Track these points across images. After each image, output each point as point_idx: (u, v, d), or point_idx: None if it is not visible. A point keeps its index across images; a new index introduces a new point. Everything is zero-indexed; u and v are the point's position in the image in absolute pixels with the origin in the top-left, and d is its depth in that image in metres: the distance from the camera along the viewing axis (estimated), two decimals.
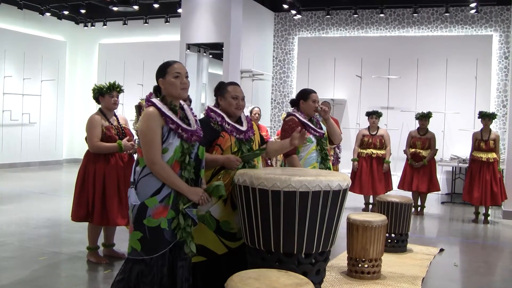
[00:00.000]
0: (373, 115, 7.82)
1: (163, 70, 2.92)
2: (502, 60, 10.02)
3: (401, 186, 8.00)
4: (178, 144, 2.82)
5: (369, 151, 7.75)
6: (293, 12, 10.95)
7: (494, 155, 7.25)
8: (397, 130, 10.10)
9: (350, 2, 10.79)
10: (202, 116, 3.91)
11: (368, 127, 7.93)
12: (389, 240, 5.37)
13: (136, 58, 12.66)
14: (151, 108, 2.81)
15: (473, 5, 9.67)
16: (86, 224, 4.70)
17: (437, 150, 7.99)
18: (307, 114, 4.29)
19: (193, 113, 3.04)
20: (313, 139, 4.20)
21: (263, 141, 3.73)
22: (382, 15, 10.70)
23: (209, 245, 3.24)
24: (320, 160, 4.21)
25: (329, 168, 4.26)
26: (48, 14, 11.89)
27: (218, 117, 3.36)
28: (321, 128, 4.34)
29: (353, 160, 7.85)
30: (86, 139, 4.63)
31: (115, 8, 10.48)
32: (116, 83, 4.69)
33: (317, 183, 3.00)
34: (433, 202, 8.94)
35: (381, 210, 5.44)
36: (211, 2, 9.15)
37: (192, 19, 9.29)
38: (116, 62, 13.10)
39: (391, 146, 7.97)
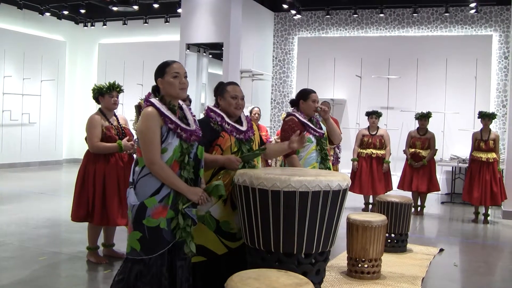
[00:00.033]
0: (373, 115, 7.82)
1: (162, 70, 2.91)
2: (502, 60, 10.02)
3: (400, 186, 8.00)
4: (177, 144, 2.82)
5: (369, 151, 7.75)
6: (293, 12, 10.95)
7: (494, 155, 7.25)
8: (397, 130, 10.10)
9: (350, 2, 10.79)
10: (202, 116, 3.91)
11: (368, 127, 7.93)
12: (389, 240, 5.37)
13: (136, 58, 12.66)
14: (150, 108, 2.81)
15: (473, 5, 9.67)
16: (86, 224, 4.70)
17: (436, 150, 7.99)
18: (307, 114, 4.29)
19: (191, 113, 3.03)
20: (313, 139, 4.20)
21: (262, 142, 3.73)
22: (382, 15, 10.70)
23: (209, 245, 3.24)
24: (320, 160, 4.21)
25: (329, 168, 4.26)
26: (47, 14, 11.89)
27: (218, 117, 3.36)
28: (321, 128, 4.34)
29: (353, 160, 7.85)
30: (86, 139, 4.63)
31: (115, 8, 10.48)
32: (116, 83, 4.69)
33: (316, 183, 3.00)
34: (433, 202, 8.94)
35: (381, 210, 5.44)
36: (211, 2, 9.15)
37: (192, 19, 9.29)
38: (116, 62, 13.10)
39: (391, 146, 7.97)
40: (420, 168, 7.82)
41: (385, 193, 7.37)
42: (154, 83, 2.97)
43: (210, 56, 10.19)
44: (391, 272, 4.62)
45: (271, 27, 11.77)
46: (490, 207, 7.54)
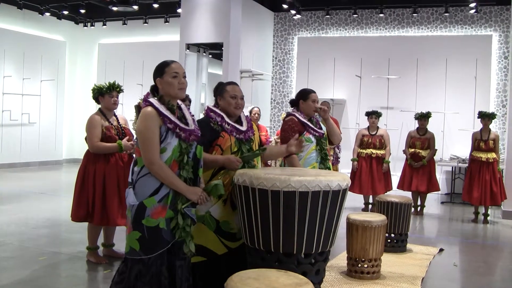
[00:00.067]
0: (373, 115, 7.82)
1: (161, 70, 2.91)
2: (502, 60, 10.02)
3: (400, 186, 8.00)
4: (176, 143, 2.82)
5: (368, 151, 7.75)
6: (293, 12, 10.95)
7: (493, 155, 7.25)
8: (397, 130, 10.10)
9: (349, 2, 10.79)
10: (201, 116, 3.91)
11: (368, 127, 7.93)
12: (389, 240, 5.37)
13: (135, 58, 12.66)
14: (149, 108, 2.81)
15: (472, 5, 9.67)
16: (86, 224, 4.70)
17: (436, 150, 7.99)
18: (307, 114, 4.29)
19: (190, 113, 3.03)
20: (313, 139, 4.20)
21: (260, 143, 3.74)
22: (381, 15, 10.70)
23: (209, 245, 3.25)
24: (319, 160, 4.21)
25: (329, 168, 4.26)
26: (47, 14, 11.89)
27: (218, 117, 3.36)
28: (321, 128, 4.35)
29: (352, 160, 7.85)
30: (86, 139, 4.63)
31: (114, 8, 10.48)
32: (116, 83, 4.69)
33: (316, 183, 3.00)
34: (432, 202, 8.94)
35: (380, 210, 5.44)
36: (211, 2, 9.15)
37: (192, 19, 9.29)
38: (115, 62, 13.10)
39: (391, 146, 7.97)
40: (420, 168, 7.82)
41: (385, 193, 7.37)
42: (153, 83, 2.98)
43: (210, 56, 10.19)
44: (391, 272, 4.62)
45: (271, 27, 11.77)
46: (490, 207, 7.54)
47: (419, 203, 7.91)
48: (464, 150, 9.07)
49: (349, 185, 3.23)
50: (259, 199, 3.05)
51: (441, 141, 9.84)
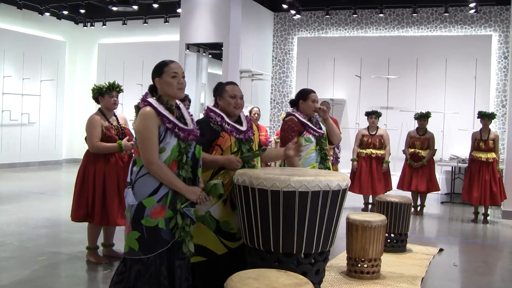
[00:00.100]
0: (373, 115, 7.82)
1: (160, 70, 2.91)
2: (502, 60, 10.02)
3: (400, 186, 8.00)
4: (175, 143, 2.82)
5: (368, 151, 7.75)
6: (293, 12, 10.95)
7: (493, 155, 7.25)
8: (397, 130, 10.10)
9: (349, 2, 10.79)
10: (201, 116, 3.91)
11: (368, 127, 7.93)
12: (389, 240, 5.37)
13: (135, 58, 12.66)
14: (148, 108, 2.81)
15: (472, 5, 9.67)
16: (85, 224, 4.70)
17: (436, 150, 7.99)
18: (307, 114, 4.29)
19: (189, 112, 3.03)
20: (313, 139, 4.20)
21: (260, 145, 3.74)
22: (381, 15, 10.70)
23: (209, 245, 3.25)
24: (319, 160, 4.21)
25: (329, 168, 4.26)
26: (47, 14, 11.88)
27: (218, 117, 3.35)
28: (321, 128, 4.35)
29: (352, 160, 7.85)
30: (86, 139, 4.63)
31: (114, 8, 10.48)
32: (116, 83, 4.69)
33: (316, 183, 3.00)
34: (432, 202, 8.94)
35: (380, 210, 5.44)
36: (211, 2, 9.15)
37: (192, 19, 9.29)
38: (115, 62, 13.10)
39: (391, 146, 7.98)
40: (420, 168, 7.82)
41: (385, 193, 7.38)
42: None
43: (210, 56, 10.19)
44: (390, 272, 4.62)
45: (270, 27, 11.77)
46: (489, 207, 7.54)
47: (419, 203, 7.91)
48: (464, 150, 9.07)
49: (349, 185, 3.23)
50: (258, 199, 3.05)
51: (441, 141, 9.85)
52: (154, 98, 2.89)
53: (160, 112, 2.79)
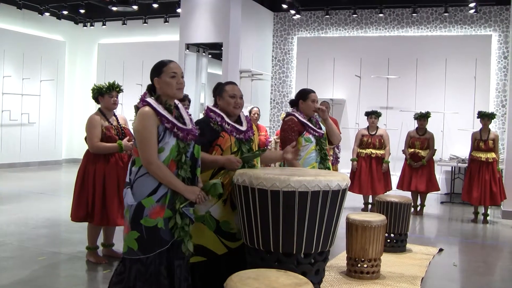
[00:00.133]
0: (372, 115, 7.82)
1: (159, 70, 2.90)
2: (501, 60, 10.02)
3: (400, 186, 8.00)
4: (174, 143, 2.82)
5: (368, 151, 7.75)
6: (292, 12, 10.95)
7: (493, 155, 7.25)
8: (396, 130, 10.10)
9: (349, 2, 10.79)
10: (201, 116, 3.91)
11: (367, 127, 7.93)
12: (388, 240, 5.37)
13: (135, 58, 12.65)
14: (147, 108, 2.80)
15: (472, 5, 9.67)
16: (85, 224, 4.70)
17: (436, 150, 7.99)
18: (307, 114, 4.29)
19: (188, 112, 3.03)
20: (312, 139, 4.21)
21: (258, 146, 3.74)
22: (381, 15, 10.70)
23: (209, 245, 3.25)
24: (319, 160, 4.21)
25: (328, 168, 4.26)
26: (47, 14, 11.88)
27: (218, 117, 3.36)
28: (321, 128, 4.35)
29: (352, 160, 7.85)
30: (85, 139, 4.63)
31: (114, 8, 10.47)
32: (116, 83, 4.69)
33: (316, 183, 3.00)
34: (432, 202, 8.94)
35: (380, 210, 5.44)
36: (210, 2, 9.15)
37: (191, 19, 9.29)
38: (115, 62, 13.10)
39: (390, 146, 7.98)
40: (419, 168, 7.82)
41: (385, 193, 7.38)
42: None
43: (210, 56, 10.19)
44: (390, 272, 4.63)
45: (270, 27, 11.77)
46: (489, 207, 7.54)
47: (418, 203, 7.92)
48: (463, 150, 9.07)
49: (348, 185, 3.23)
50: (258, 199, 3.05)
51: (441, 141, 9.85)
52: (153, 98, 2.89)
53: (159, 112, 2.79)
